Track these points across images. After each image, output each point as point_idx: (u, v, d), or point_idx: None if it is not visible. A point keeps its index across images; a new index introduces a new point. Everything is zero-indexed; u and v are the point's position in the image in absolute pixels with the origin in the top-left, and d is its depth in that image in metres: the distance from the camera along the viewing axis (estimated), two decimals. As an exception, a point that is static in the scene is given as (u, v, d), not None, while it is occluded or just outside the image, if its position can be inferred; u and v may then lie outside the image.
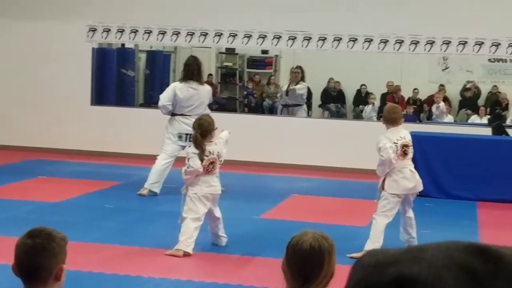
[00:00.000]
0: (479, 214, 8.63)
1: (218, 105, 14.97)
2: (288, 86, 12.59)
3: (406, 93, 15.66)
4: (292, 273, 2.66)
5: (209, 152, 6.40)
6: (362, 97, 16.20)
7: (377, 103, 15.26)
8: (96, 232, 6.98)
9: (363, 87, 16.24)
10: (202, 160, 6.34)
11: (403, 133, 6.53)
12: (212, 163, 6.41)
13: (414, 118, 14.64)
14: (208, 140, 6.42)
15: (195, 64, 9.03)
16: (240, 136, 10.62)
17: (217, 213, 6.51)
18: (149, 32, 11.98)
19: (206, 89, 9.13)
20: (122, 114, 12.45)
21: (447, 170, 9.55)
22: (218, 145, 6.51)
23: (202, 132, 6.38)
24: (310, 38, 11.53)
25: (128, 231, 7.11)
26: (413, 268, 0.93)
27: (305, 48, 11.66)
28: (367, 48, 11.38)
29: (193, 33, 11.86)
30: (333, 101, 16.22)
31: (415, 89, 15.85)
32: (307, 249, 2.67)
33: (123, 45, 13.76)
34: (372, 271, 0.97)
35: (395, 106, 7.19)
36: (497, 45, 10.98)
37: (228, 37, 11.80)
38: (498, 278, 0.92)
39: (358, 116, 15.69)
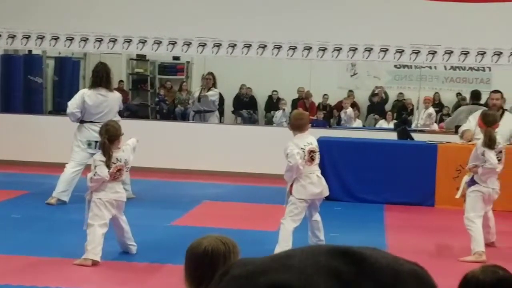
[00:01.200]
0: (386, 217, 8.85)
1: (129, 111, 14.84)
2: (200, 92, 12.60)
3: (316, 99, 15.91)
4: (187, 277, 2.67)
5: (117, 159, 6.34)
6: (273, 103, 16.37)
7: (288, 109, 15.44)
8: (2, 243, 6.80)
9: (274, 93, 16.41)
10: (109, 167, 6.28)
11: (310, 139, 6.64)
12: (119, 170, 6.36)
13: (324, 123, 14.90)
14: (115, 146, 6.36)
15: (104, 70, 8.93)
16: (152, 142, 10.57)
17: (123, 221, 6.43)
18: (56, 38, 11.76)
19: (116, 96, 9.04)
20: (30, 121, 12.17)
21: (355, 174, 9.75)
22: (125, 152, 6.46)
23: (110, 138, 6.32)
24: (220, 44, 11.58)
25: (36, 241, 6.96)
26: (284, 275, 0.96)
27: (215, 55, 11.71)
28: (276, 55, 11.52)
29: (102, 39, 11.72)
30: (245, 107, 16.34)
31: (325, 94, 16.12)
32: (200, 253, 2.67)
33: (30, 51, 13.46)
34: (244, 282, 0.99)
35: (302, 113, 7.29)
36: (401, 51, 11.31)
37: (137, 43, 11.72)
38: (364, 280, 0.96)
39: (270, 122, 15.84)
